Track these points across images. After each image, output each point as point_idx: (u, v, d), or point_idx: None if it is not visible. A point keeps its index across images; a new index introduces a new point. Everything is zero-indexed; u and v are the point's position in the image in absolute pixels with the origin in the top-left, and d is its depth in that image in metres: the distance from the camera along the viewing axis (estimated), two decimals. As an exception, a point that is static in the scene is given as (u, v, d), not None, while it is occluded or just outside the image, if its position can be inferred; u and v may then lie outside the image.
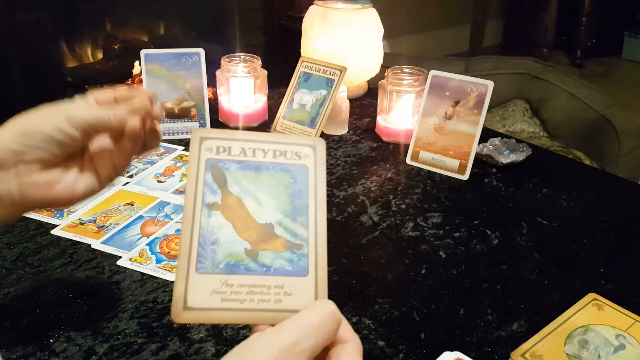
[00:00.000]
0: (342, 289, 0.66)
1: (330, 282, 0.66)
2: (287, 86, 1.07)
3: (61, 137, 0.50)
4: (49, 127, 0.50)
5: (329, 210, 0.82)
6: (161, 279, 0.67)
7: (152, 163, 0.94)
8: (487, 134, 0.99)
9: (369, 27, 1.19)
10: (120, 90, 0.56)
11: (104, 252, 0.71)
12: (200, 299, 0.39)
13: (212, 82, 1.08)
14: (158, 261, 0.70)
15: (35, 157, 0.50)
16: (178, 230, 0.76)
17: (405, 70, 1.04)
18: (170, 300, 0.63)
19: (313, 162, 0.43)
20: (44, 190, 0.51)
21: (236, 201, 0.42)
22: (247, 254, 0.41)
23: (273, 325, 0.38)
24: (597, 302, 0.61)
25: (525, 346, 0.56)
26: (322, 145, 0.44)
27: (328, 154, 0.99)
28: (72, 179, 0.53)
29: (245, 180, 0.42)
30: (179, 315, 0.39)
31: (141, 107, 0.54)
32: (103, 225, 0.77)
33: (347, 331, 0.40)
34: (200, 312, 0.39)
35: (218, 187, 0.42)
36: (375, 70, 1.23)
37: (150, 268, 0.68)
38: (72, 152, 0.53)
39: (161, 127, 1.03)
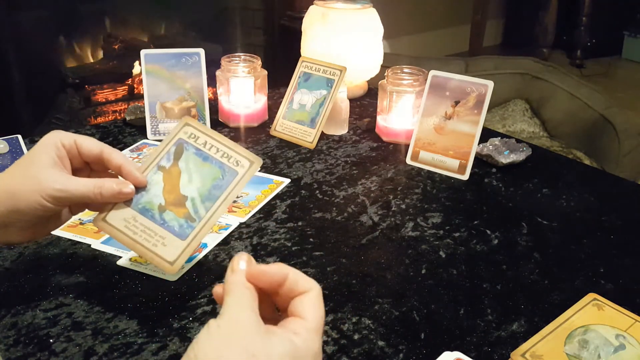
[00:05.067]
0: (342, 289, 0.66)
1: (330, 282, 0.67)
2: (287, 86, 1.07)
3: (44, 212, 0.56)
4: (33, 204, 0.55)
5: (329, 210, 0.82)
6: (161, 279, 0.66)
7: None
8: (487, 134, 0.99)
9: (369, 27, 1.19)
10: (90, 151, 0.58)
11: (104, 252, 0.71)
12: (114, 218, 0.57)
13: (212, 82, 1.08)
14: (158, 261, 0.70)
15: (20, 224, 0.57)
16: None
17: (405, 70, 1.04)
18: (169, 300, 0.63)
19: (243, 172, 0.54)
20: (24, 238, 0.60)
21: (177, 172, 0.56)
22: (159, 208, 0.56)
23: (139, 256, 0.57)
24: (597, 302, 0.61)
25: (525, 346, 0.56)
26: (258, 163, 0.55)
27: (328, 154, 0.99)
28: (48, 224, 0.60)
29: (192, 162, 0.56)
30: (97, 221, 0.58)
31: (111, 196, 0.57)
32: (103, 225, 0.77)
33: (305, 280, 0.44)
34: (109, 226, 0.57)
35: (173, 158, 0.56)
36: (375, 70, 1.23)
37: (150, 268, 0.68)
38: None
39: (161, 127, 1.04)
